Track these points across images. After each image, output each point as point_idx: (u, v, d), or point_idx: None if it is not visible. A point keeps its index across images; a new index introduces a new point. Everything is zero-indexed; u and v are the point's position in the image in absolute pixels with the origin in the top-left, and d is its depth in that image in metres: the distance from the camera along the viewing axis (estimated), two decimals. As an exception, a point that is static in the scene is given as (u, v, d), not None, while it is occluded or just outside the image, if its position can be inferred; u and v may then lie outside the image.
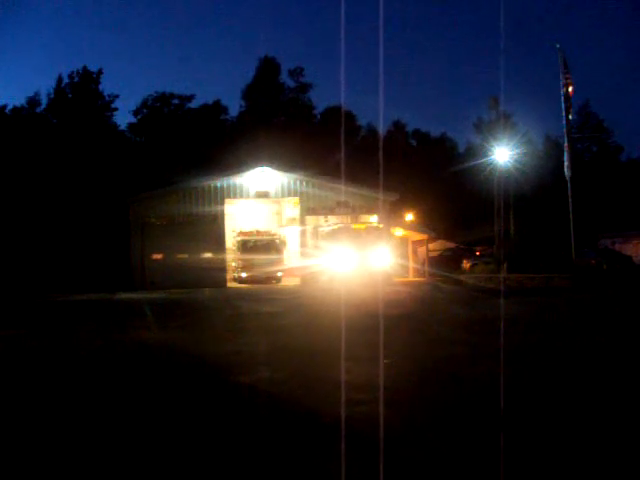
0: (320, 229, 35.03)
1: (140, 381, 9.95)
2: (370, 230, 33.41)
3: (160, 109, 65.20)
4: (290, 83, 69.75)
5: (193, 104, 67.28)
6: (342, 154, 47.47)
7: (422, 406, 8.02)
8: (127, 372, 10.73)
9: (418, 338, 13.78)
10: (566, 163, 32.61)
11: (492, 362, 9.59)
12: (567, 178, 32.50)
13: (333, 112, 69.44)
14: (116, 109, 62.44)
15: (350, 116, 70.56)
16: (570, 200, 31.84)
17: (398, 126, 71.55)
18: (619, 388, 8.83)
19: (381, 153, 51.44)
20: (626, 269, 35.00)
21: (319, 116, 70.37)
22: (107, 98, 61.50)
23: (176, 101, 66.74)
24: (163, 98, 65.95)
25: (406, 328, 15.04)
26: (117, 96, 62.10)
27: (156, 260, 35.09)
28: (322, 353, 11.60)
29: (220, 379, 9.99)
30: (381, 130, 72.41)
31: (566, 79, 32.33)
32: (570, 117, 34.24)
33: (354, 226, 33.98)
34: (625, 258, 37.92)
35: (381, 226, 34.19)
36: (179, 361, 11.72)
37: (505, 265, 29.85)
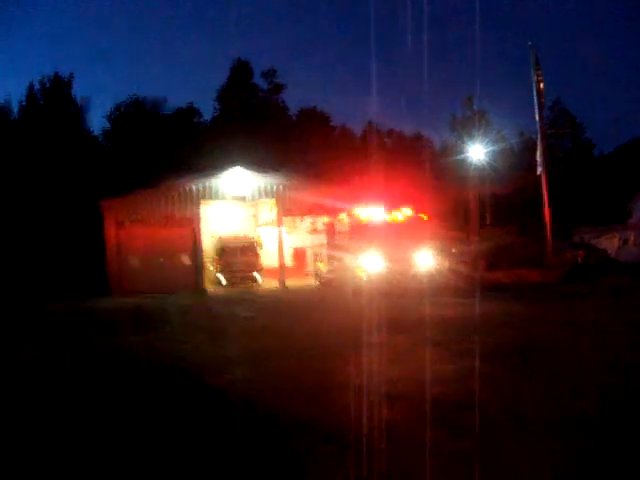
0: (344, 223, 31.05)
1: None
2: (410, 223, 28.75)
3: (133, 113, 64.75)
4: (263, 85, 69.72)
5: (166, 108, 67.10)
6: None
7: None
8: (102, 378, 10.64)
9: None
10: (538, 159, 32.80)
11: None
12: (539, 174, 32.71)
13: (307, 113, 69.48)
14: (89, 114, 62.22)
15: (324, 117, 70.63)
16: (545, 195, 32.04)
17: (372, 126, 71.65)
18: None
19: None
20: (602, 262, 35.28)
21: (294, 117, 70.32)
22: (79, 103, 61.10)
23: (149, 105, 66.43)
24: (136, 103, 65.56)
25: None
26: (89, 101, 61.92)
27: (132, 264, 34.80)
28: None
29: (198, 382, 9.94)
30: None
31: (538, 76, 32.51)
32: (543, 114, 34.46)
33: (390, 219, 29.13)
34: (600, 252, 38.21)
35: (425, 217, 29.41)
36: (166, 369, 11.63)
37: (482, 263, 29.90)
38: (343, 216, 30.24)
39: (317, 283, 32.09)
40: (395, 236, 27.16)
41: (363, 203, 31.08)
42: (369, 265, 26.32)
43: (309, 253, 43.41)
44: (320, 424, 7.15)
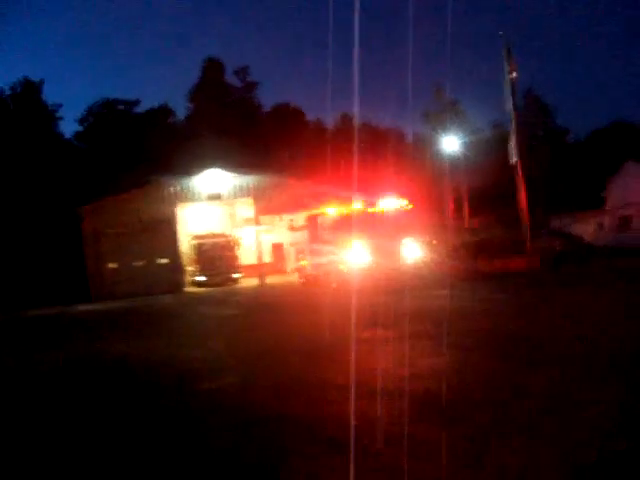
0: (327, 217, 29.35)
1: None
2: (393, 214, 27.41)
3: (106, 116, 64.27)
4: (236, 82, 69.50)
5: (139, 109, 66.71)
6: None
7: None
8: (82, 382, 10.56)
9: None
10: (513, 148, 32.93)
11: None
12: (514, 162, 32.84)
13: (281, 109, 69.35)
14: (61, 118, 61.63)
15: (298, 112, 70.53)
16: (521, 184, 32.18)
17: (346, 120, 71.59)
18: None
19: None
20: (579, 249, 35.62)
21: (267, 114, 70.13)
22: (50, 108, 60.51)
23: (122, 107, 65.98)
24: (108, 105, 65.09)
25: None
26: (61, 105, 61.37)
27: (112, 268, 34.66)
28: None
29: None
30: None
31: (510, 66, 32.63)
32: (516, 103, 34.59)
33: (373, 210, 27.72)
34: (577, 238, 38.55)
35: (410, 206, 27.99)
36: (151, 374, 11.58)
37: (462, 253, 30.02)
38: (325, 210, 29.30)
39: (300, 280, 31.60)
40: (379, 228, 26.28)
41: (344, 196, 30.29)
42: (354, 259, 25.62)
43: (289, 250, 43.42)
44: (313, 423, 7.14)
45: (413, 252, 26.91)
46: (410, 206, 27.58)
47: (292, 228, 38.53)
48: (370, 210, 27.43)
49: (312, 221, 30.33)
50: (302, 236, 33.91)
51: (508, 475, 5.27)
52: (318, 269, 28.27)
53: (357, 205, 28.10)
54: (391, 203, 27.93)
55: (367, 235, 25.74)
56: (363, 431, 6.51)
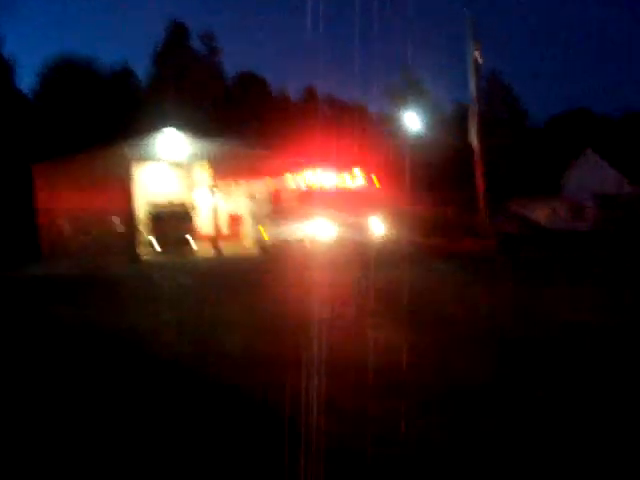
0: (291, 188, 28.42)
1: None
2: (359, 188, 26.84)
3: (65, 73, 62.75)
4: (200, 47, 68.32)
5: (100, 68, 65.16)
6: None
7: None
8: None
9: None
10: (472, 130, 33.04)
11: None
12: (472, 145, 32.98)
13: (245, 77, 68.54)
14: (18, 73, 60.22)
15: (262, 82, 69.78)
16: (479, 165, 32.34)
17: (310, 92, 71.16)
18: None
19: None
20: (534, 233, 36.13)
21: (230, 81, 69.25)
22: (8, 61, 58.94)
23: (82, 65, 64.49)
24: (68, 62, 63.56)
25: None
26: (18, 59, 60.01)
27: (65, 229, 33.99)
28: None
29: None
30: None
31: (474, 46, 32.61)
32: (479, 84, 34.63)
33: (336, 183, 27.00)
34: (532, 222, 39.08)
35: (378, 186, 27.64)
36: (99, 340, 11.40)
37: (418, 231, 30.06)
38: (289, 180, 28.26)
39: (259, 251, 30.85)
40: (345, 202, 25.42)
41: (309, 167, 29.45)
42: (316, 233, 25.00)
43: (247, 220, 43.11)
44: (257, 395, 7.10)
45: (377, 227, 26.26)
46: (376, 181, 26.98)
47: (254, 196, 37.81)
48: (336, 183, 26.68)
49: (275, 191, 29.50)
50: (263, 206, 32.77)
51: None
52: (280, 241, 27.29)
53: (323, 177, 27.32)
54: (357, 177, 27.23)
55: (332, 208, 24.88)
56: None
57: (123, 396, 7.49)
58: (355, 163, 28.04)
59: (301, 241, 25.46)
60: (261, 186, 33.53)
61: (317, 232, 24.77)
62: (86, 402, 7.31)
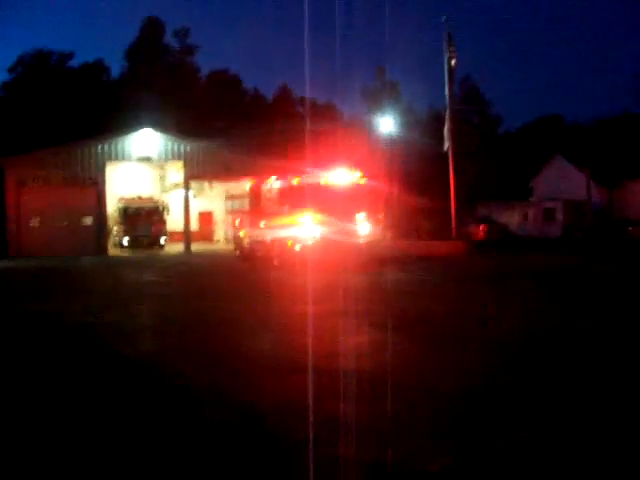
0: (273, 187, 26.30)
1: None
2: (346, 187, 24.63)
3: (37, 67, 62.14)
4: (175, 44, 67.91)
5: (73, 62, 64.71)
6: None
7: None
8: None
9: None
10: (446, 134, 33.32)
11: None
12: (445, 149, 33.27)
13: (219, 75, 68.27)
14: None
15: (236, 80, 69.61)
16: (451, 170, 32.60)
17: (285, 92, 71.16)
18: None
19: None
20: (503, 237, 36.56)
21: (204, 78, 68.96)
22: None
23: (55, 59, 63.94)
24: (40, 55, 62.97)
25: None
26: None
27: (33, 226, 33.63)
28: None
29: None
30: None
31: (450, 52, 32.87)
32: (453, 89, 34.94)
33: (323, 182, 24.67)
34: (502, 226, 39.51)
35: (363, 182, 25.21)
36: (59, 332, 11.31)
37: (389, 234, 30.10)
38: (271, 180, 26.63)
39: (236, 253, 29.36)
40: (330, 202, 23.52)
41: (281, 167, 28.23)
42: (301, 234, 23.27)
43: (218, 219, 43.03)
44: (229, 394, 7.10)
45: (363, 229, 24.73)
46: (363, 180, 25.06)
47: (232, 196, 37.43)
48: (321, 181, 24.76)
49: (255, 190, 27.97)
50: (243, 204, 31.48)
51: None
52: (258, 242, 26.00)
53: (307, 176, 25.55)
54: (343, 175, 25.24)
55: (316, 208, 23.25)
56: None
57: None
58: (336, 162, 27.01)
59: (278, 241, 24.26)
60: (240, 185, 32.54)
61: (297, 232, 23.37)
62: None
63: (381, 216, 26.66)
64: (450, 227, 32.74)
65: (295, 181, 24.81)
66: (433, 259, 26.26)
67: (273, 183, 26.02)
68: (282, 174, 25.94)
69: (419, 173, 47.41)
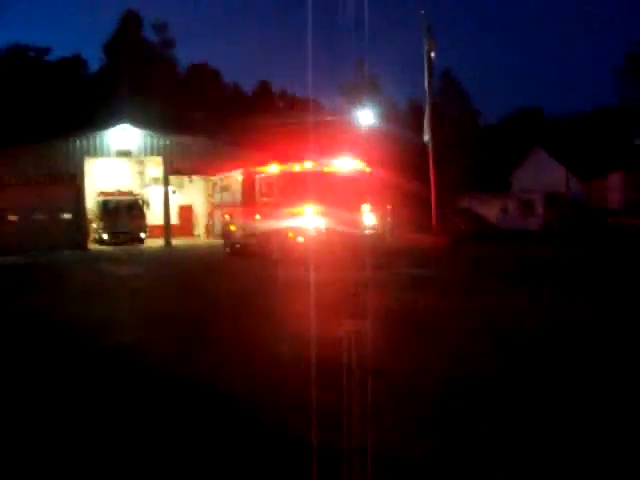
0: (270, 176, 24.11)
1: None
2: (350, 176, 23.29)
3: (14, 62, 61.48)
4: (154, 38, 67.42)
5: (50, 57, 64.14)
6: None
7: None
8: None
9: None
10: (425, 127, 33.31)
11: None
12: (425, 142, 33.26)
13: (198, 69, 67.92)
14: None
15: (216, 74, 69.29)
16: (431, 163, 32.64)
17: (264, 86, 71.01)
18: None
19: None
20: (483, 229, 36.71)
21: (184, 73, 68.57)
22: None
23: (32, 54, 63.34)
24: (17, 50, 62.33)
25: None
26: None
27: (12, 221, 33.38)
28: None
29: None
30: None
31: (429, 45, 32.86)
32: (432, 82, 34.91)
33: (325, 169, 23.33)
34: (482, 219, 39.64)
35: (368, 170, 23.94)
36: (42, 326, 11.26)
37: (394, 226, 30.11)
38: (266, 169, 24.21)
39: (226, 249, 27.92)
40: (331, 192, 22.13)
41: (260, 161, 26.25)
42: (300, 226, 21.92)
43: (200, 213, 42.82)
44: (208, 384, 7.09)
45: (368, 220, 24.18)
46: (368, 169, 23.67)
47: (220, 189, 36.73)
48: (321, 170, 23.30)
49: (248, 180, 25.57)
50: (233, 198, 28.48)
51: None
52: (253, 235, 24.42)
53: (306, 164, 23.70)
54: (346, 164, 23.82)
55: (316, 200, 21.86)
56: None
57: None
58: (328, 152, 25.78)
59: (277, 233, 22.61)
60: (229, 178, 30.99)
61: (299, 223, 21.97)
62: None
63: (389, 207, 25.59)
64: (433, 220, 32.74)
65: (295, 168, 23.32)
66: (417, 252, 26.20)
67: (269, 172, 24.10)
68: (280, 162, 24.23)
69: (403, 166, 47.49)
